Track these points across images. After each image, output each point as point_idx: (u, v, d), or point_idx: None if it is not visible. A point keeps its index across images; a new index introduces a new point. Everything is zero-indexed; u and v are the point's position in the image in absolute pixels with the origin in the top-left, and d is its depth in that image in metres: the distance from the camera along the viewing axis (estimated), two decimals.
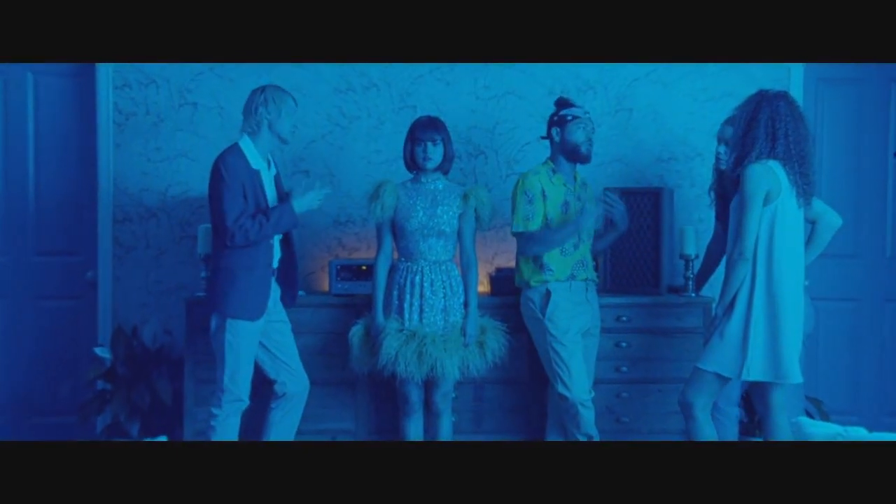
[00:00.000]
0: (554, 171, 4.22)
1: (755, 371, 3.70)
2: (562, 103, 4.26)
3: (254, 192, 3.93)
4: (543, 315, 4.11)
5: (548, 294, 4.12)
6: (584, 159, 4.23)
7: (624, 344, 4.52)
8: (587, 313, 4.23)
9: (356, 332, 4.26)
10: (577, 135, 4.18)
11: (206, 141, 4.97)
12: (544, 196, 4.15)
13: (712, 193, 4.32)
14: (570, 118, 4.19)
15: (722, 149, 4.19)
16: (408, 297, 4.15)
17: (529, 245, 4.15)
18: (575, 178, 4.27)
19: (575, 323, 4.14)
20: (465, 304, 4.20)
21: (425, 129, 4.17)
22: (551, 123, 4.23)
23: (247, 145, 3.97)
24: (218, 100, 5.00)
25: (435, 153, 4.16)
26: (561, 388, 4.07)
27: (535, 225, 4.14)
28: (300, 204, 3.99)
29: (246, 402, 3.98)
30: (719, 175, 4.24)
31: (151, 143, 5.01)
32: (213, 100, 5.01)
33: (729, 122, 4.13)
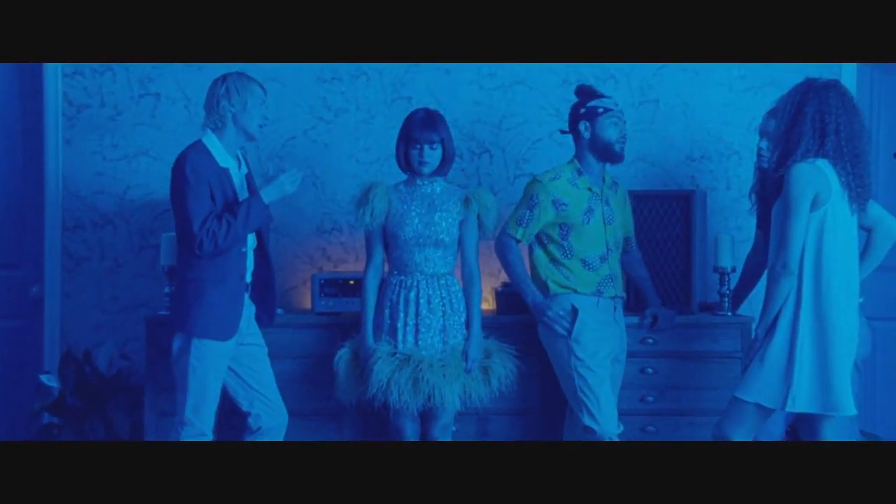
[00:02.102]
0: (579, 173, 4.15)
1: (801, 401, 3.63)
2: (587, 92, 4.20)
3: (223, 192, 3.88)
4: (569, 334, 4.08)
5: (574, 311, 4.07)
6: (619, 158, 4.17)
7: (650, 370, 4.47)
8: (616, 336, 4.18)
9: (342, 356, 4.20)
10: (610, 130, 4.12)
11: (170, 137, 4.90)
12: (558, 205, 4.10)
13: (753, 196, 4.29)
14: (601, 111, 4.13)
15: (764, 144, 4.16)
16: (401, 315, 4.11)
17: (500, 251, 4.19)
18: (604, 178, 4.21)
19: (603, 346, 4.08)
20: (467, 324, 4.16)
21: (422, 128, 4.13)
22: (578, 116, 4.16)
23: (211, 142, 3.93)
24: (184, 90, 4.95)
25: (432, 157, 4.13)
26: (588, 421, 4.00)
27: (528, 234, 4.12)
28: (269, 192, 3.93)
29: (209, 438, 3.90)
30: (762, 175, 4.20)
31: (107, 139, 4.97)
32: (177, 90, 4.96)
33: (772, 114, 4.10)
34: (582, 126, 4.14)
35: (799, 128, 3.69)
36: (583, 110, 4.16)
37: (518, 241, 4.16)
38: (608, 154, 4.15)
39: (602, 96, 4.18)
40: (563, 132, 4.30)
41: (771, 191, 4.03)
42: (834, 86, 3.72)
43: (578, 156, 4.19)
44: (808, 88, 3.73)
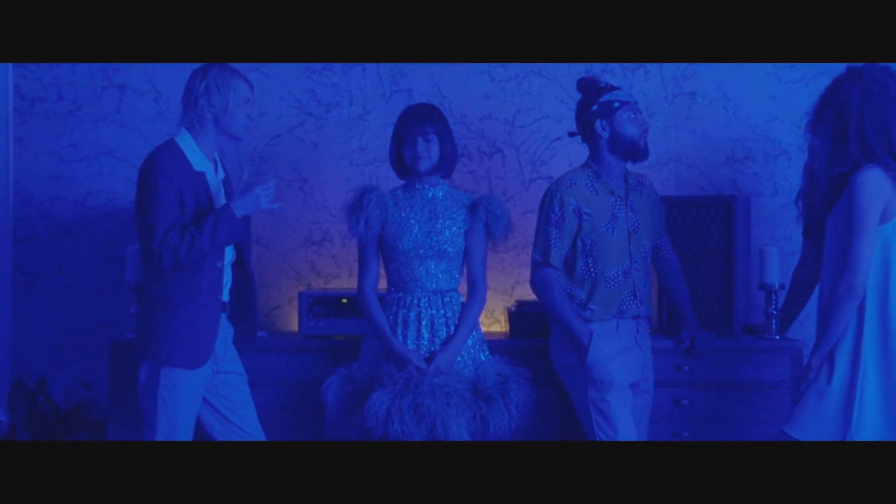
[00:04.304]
0: (597, 176, 4.10)
1: None
2: (594, 86, 4.14)
3: (196, 200, 3.82)
4: (583, 362, 4.03)
5: (588, 335, 4.04)
6: (644, 155, 4.12)
7: (685, 401, 4.43)
8: (637, 360, 4.12)
9: (331, 384, 4.14)
10: (630, 125, 4.07)
11: (137, 135, 4.93)
12: (581, 215, 4.05)
13: (800, 203, 4.24)
14: (617, 104, 4.07)
15: (818, 142, 4.11)
16: (400, 338, 4.11)
17: (540, 288, 4.11)
18: (626, 179, 4.16)
19: (623, 373, 4.04)
20: (455, 330, 4.11)
21: (413, 120, 4.13)
22: (592, 115, 4.09)
23: (186, 142, 3.87)
24: (152, 81, 4.95)
25: (428, 150, 4.11)
26: None
27: (558, 255, 4.07)
28: (241, 205, 3.84)
29: None
30: (811, 177, 4.15)
31: (65, 137, 4.99)
32: (145, 81, 4.96)
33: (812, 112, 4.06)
34: (599, 125, 4.08)
35: (845, 127, 3.65)
36: (595, 107, 4.09)
37: (556, 269, 4.07)
38: (633, 152, 4.11)
39: (613, 88, 4.13)
40: (572, 134, 4.24)
41: (818, 199, 3.95)
42: (887, 73, 3.67)
43: (595, 158, 4.15)
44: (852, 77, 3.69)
